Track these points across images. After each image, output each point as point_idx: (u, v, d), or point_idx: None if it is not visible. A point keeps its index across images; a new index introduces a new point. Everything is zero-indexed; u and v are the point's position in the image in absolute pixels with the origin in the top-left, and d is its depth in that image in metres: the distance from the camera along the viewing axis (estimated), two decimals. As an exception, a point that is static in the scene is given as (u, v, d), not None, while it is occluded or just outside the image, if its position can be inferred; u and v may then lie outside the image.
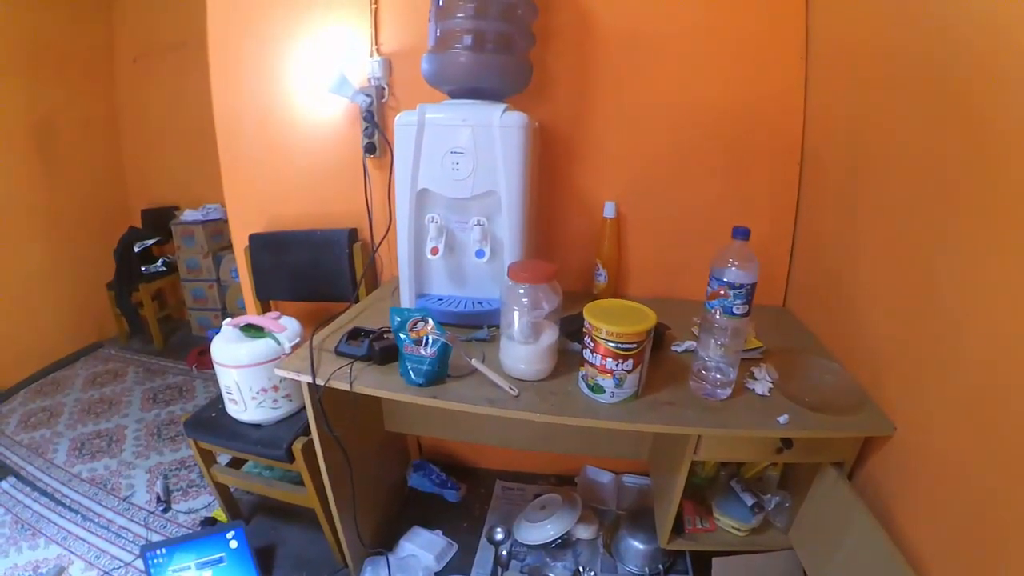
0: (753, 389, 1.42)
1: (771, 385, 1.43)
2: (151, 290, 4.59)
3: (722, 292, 1.32)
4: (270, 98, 2.37)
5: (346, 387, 1.42)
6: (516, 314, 1.40)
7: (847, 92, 1.66)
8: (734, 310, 1.32)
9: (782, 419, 1.29)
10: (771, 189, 2.01)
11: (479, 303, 1.75)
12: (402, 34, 2.12)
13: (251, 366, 1.95)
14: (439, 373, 1.39)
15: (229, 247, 4.47)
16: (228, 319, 2.13)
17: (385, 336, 1.55)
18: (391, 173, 2.14)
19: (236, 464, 2.40)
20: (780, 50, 1.90)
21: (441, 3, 1.68)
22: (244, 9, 2.34)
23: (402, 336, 1.40)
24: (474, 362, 1.43)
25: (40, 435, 3.66)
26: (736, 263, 1.31)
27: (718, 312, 1.34)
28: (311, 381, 1.46)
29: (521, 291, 1.39)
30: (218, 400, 2.19)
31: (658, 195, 2.08)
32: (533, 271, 1.39)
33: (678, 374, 1.47)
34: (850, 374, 1.50)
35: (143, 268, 4.65)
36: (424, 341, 1.37)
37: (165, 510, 2.68)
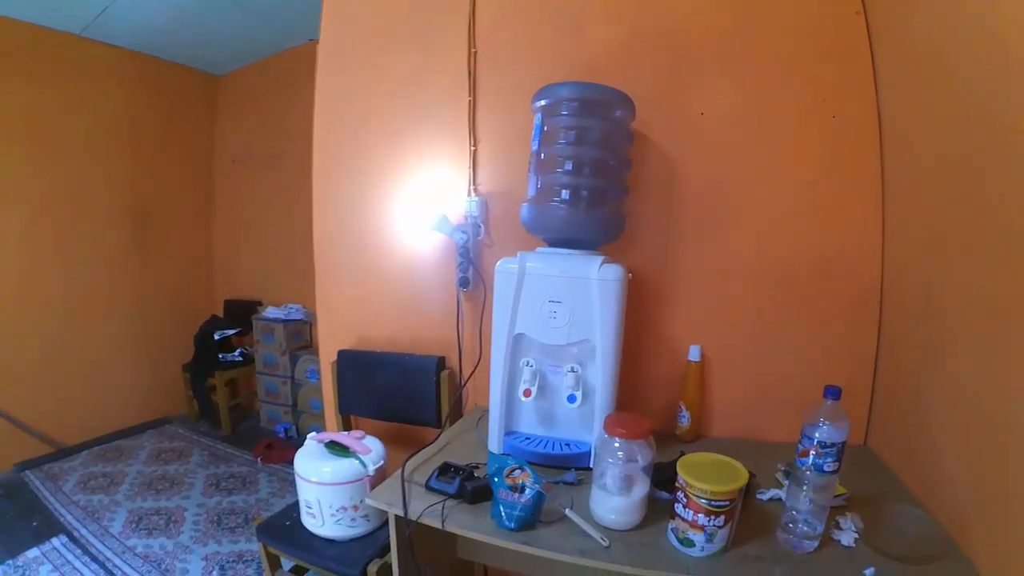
0: (839, 540, 1.40)
1: (856, 535, 1.41)
2: (225, 378, 4.79)
3: (813, 451, 1.34)
4: (368, 224, 2.54)
5: (437, 524, 1.46)
6: (610, 466, 1.43)
7: (924, 243, 1.69)
8: (825, 468, 1.33)
9: (868, 572, 1.27)
10: (851, 331, 2.01)
11: (566, 445, 1.79)
12: (499, 176, 2.29)
13: (334, 485, 2.01)
14: (531, 519, 1.42)
15: (307, 347, 4.67)
16: (313, 433, 2.20)
17: (475, 475, 1.59)
18: (483, 308, 2.26)
19: (298, 571, 2.42)
20: (858, 204, 1.96)
21: (543, 157, 1.81)
22: (348, 141, 2.55)
23: (498, 480, 1.44)
24: (568, 512, 1.46)
25: (98, 500, 3.77)
26: (827, 422, 1.33)
27: (809, 470, 1.35)
28: (402, 515, 1.50)
29: (616, 445, 1.42)
30: (293, 508, 2.24)
31: (740, 339, 2.11)
32: (629, 426, 1.43)
33: (765, 524, 1.45)
34: (934, 520, 1.47)
35: (221, 356, 4.87)
36: (520, 487, 1.41)
37: (218, 604, 2.68)
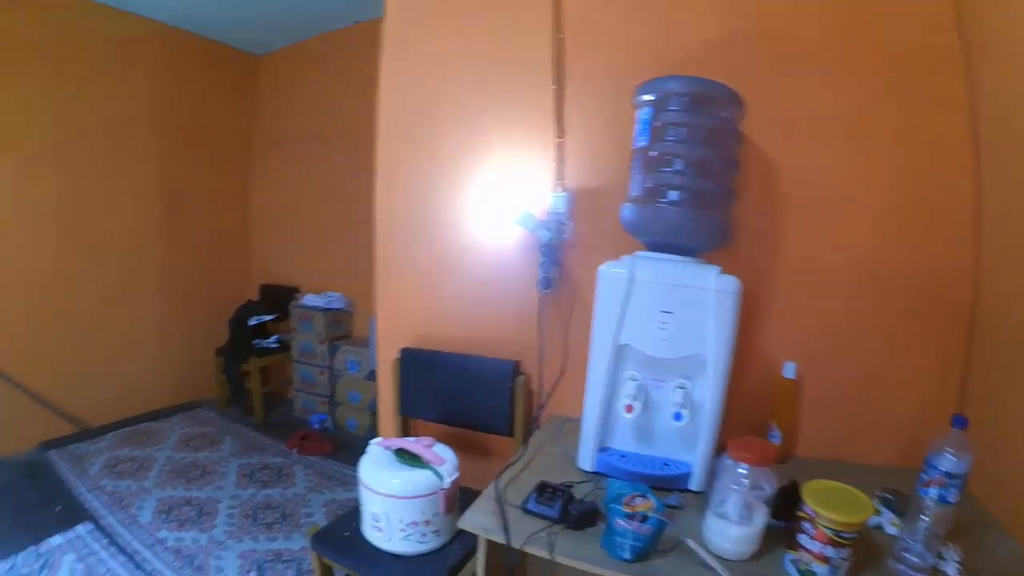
0: (945, 571, 1.32)
1: (959, 566, 1.34)
2: (259, 364, 4.70)
3: (938, 482, 1.31)
4: (438, 215, 2.41)
5: (544, 554, 1.35)
6: (733, 493, 1.32)
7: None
8: (949, 499, 1.31)
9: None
10: (943, 351, 1.92)
11: (665, 464, 1.66)
12: (587, 171, 2.14)
13: (405, 498, 1.87)
14: (649, 549, 1.31)
15: (346, 337, 4.56)
16: (379, 439, 2.05)
17: (575, 497, 1.48)
18: (570, 313, 2.13)
19: None
20: (952, 219, 1.86)
21: (653, 154, 1.68)
22: (417, 128, 2.44)
23: (615, 508, 1.32)
24: (689, 542, 1.34)
25: (126, 486, 3.66)
26: (953, 451, 1.30)
27: (933, 501, 1.31)
28: (505, 543, 1.38)
29: (742, 471, 1.32)
30: (351, 518, 2.10)
31: (832, 358, 2.00)
32: (756, 452, 1.33)
33: (872, 553, 1.37)
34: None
35: (255, 342, 4.77)
36: (640, 516, 1.29)
37: (258, 606, 2.55)
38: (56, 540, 3.08)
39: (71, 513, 3.40)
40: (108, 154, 4.50)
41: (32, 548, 3.03)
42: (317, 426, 4.50)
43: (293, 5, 4.35)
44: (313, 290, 4.79)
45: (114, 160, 4.54)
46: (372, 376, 4.05)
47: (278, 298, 4.97)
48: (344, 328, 4.65)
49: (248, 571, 2.80)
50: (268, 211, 5.46)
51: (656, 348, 1.60)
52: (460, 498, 1.96)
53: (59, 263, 4.31)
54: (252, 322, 4.79)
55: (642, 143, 1.71)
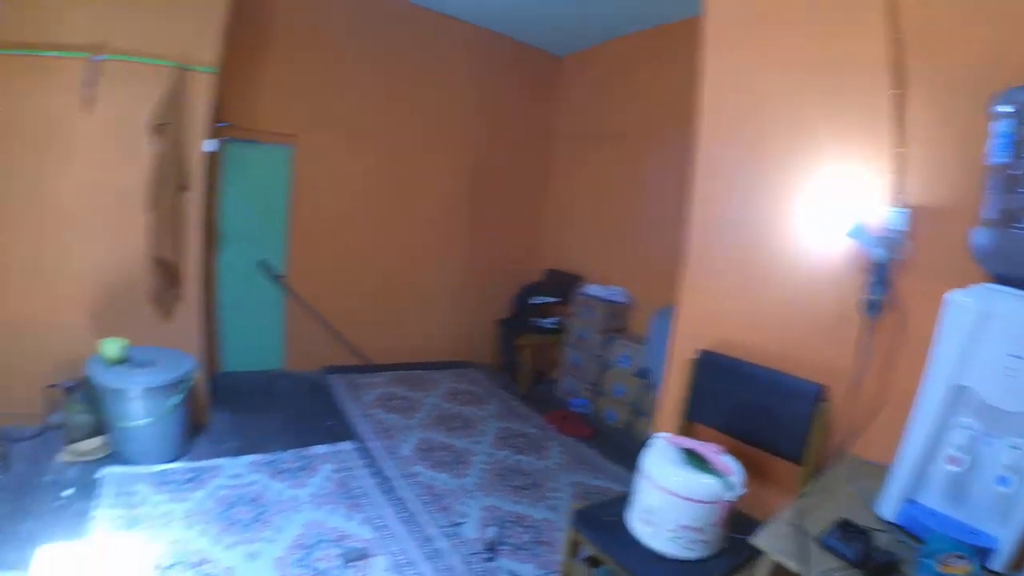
0: None
1: None
2: (534, 341, 4.95)
3: None
4: (757, 217, 2.31)
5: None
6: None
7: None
8: None
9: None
10: None
11: (972, 534, 1.40)
12: (931, 187, 1.88)
13: (686, 499, 1.80)
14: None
15: (622, 331, 4.63)
16: (667, 433, 2.00)
17: (876, 543, 1.33)
18: (897, 344, 1.90)
19: (592, 562, 2.27)
20: None
21: (1014, 172, 1.45)
22: (738, 128, 2.36)
23: (929, 563, 1.15)
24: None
25: (393, 420, 4.09)
26: None
27: None
28: (802, 572, 1.28)
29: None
30: (617, 504, 2.07)
31: None
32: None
33: None
34: None
35: (533, 320, 5.02)
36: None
37: (489, 559, 2.65)
38: (320, 449, 3.56)
39: (339, 431, 3.90)
40: (423, 136, 5.22)
41: (298, 450, 3.53)
42: (577, 409, 4.60)
43: (590, 10, 4.60)
44: (597, 280, 4.93)
45: (428, 142, 5.25)
46: (642, 374, 4.06)
47: (561, 283, 5.20)
48: (621, 321, 4.70)
49: (487, 524, 2.92)
50: (562, 201, 5.76)
51: (999, 397, 1.35)
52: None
53: (376, 224, 5.14)
54: (534, 301, 5.05)
55: (1000, 159, 1.49)
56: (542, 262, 5.77)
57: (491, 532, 2.80)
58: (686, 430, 2.38)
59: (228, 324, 4.62)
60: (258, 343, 4.91)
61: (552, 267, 5.59)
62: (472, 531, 2.87)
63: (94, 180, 3.56)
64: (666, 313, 3.71)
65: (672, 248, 2.91)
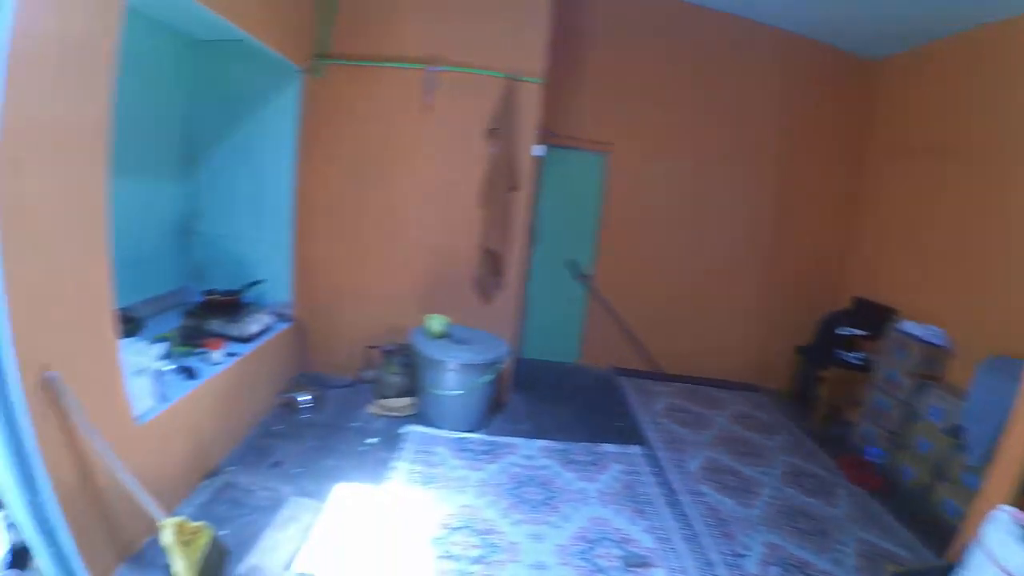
0: None
1: None
2: (836, 375, 4.61)
3: None
4: None
5: None
6: None
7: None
8: None
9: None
10: None
11: None
12: None
13: None
14: None
15: (937, 379, 3.98)
16: (1012, 510, 1.76)
17: None
18: None
19: None
20: None
21: None
22: None
23: None
24: None
25: (682, 433, 4.16)
26: None
27: None
28: None
29: None
30: (940, 573, 1.87)
31: None
32: None
33: None
34: None
35: (838, 352, 4.68)
36: None
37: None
38: (610, 448, 3.74)
39: (629, 433, 4.07)
40: (725, 147, 5.17)
41: (589, 444, 3.73)
42: (872, 458, 4.16)
43: (907, 8, 4.12)
44: (914, 317, 4.32)
45: (730, 152, 5.18)
46: (953, 432, 3.46)
47: (871, 315, 4.70)
48: (938, 368, 4.03)
49: (769, 564, 2.80)
50: (875, 222, 5.16)
51: None
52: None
53: (677, 232, 5.29)
54: (841, 332, 4.67)
55: None
56: (849, 289, 5.23)
57: (773, 573, 2.70)
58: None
59: (532, 315, 5.06)
60: (557, 336, 5.37)
61: (860, 295, 5.02)
62: (754, 566, 2.78)
63: (430, 177, 4.14)
64: (999, 366, 3.22)
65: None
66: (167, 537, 2.03)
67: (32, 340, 1.80)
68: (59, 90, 1.85)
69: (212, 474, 3.01)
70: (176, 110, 3.92)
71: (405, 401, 3.89)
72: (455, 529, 2.72)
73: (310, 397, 3.84)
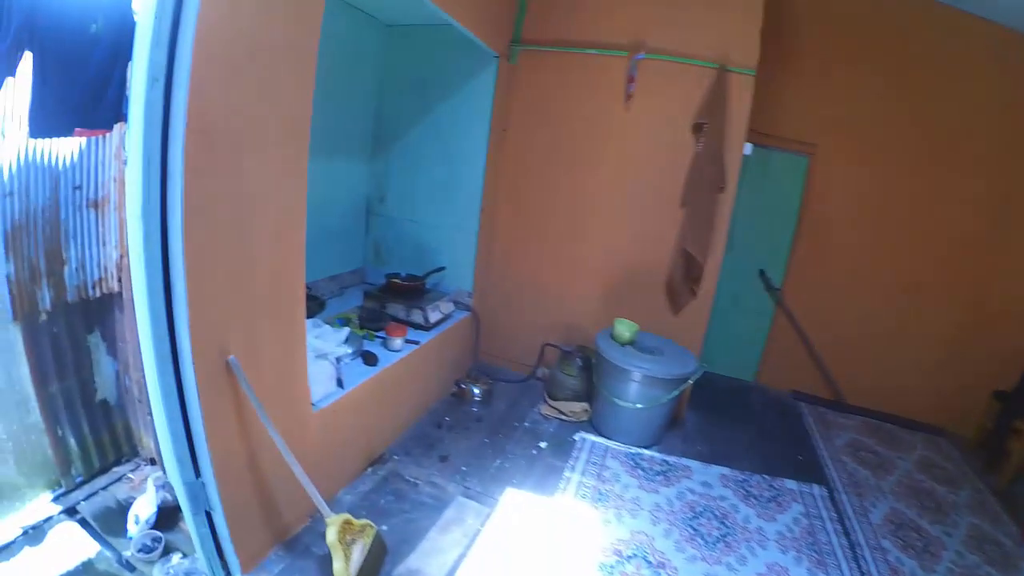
0: None
1: None
2: (1038, 428, 4.11)
3: None
4: None
5: None
6: None
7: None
8: None
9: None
10: None
11: None
12: None
13: None
14: None
15: None
16: None
17: None
18: None
19: None
20: None
21: None
22: None
23: None
24: None
25: (865, 476, 3.84)
26: None
27: None
28: None
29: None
30: None
31: None
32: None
33: None
34: None
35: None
36: None
37: None
38: (790, 484, 3.51)
39: (809, 468, 3.81)
40: (934, 154, 4.54)
41: (768, 477, 3.53)
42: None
43: None
44: None
45: (937, 159, 4.55)
46: None
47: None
48: None
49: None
50: None
51: None
52: None
53: (881, 246, 4.76)
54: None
55: None
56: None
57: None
58: None
59: (714, 325, 4.74)
60: (738, 350, 5.14)
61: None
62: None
63: (626, 172, 3.94)
64: None
65: None
66: (332, 535, 2.08)
67: (213, 325, 1.90)
68: (265, 88, 1.96)
69: (378, 461, 3.08)
70: (370, 93, 4.00)
71: (580, 406, 3.85)
72: (627, 558, 2.66)
73: (484, 389, 3.87)
